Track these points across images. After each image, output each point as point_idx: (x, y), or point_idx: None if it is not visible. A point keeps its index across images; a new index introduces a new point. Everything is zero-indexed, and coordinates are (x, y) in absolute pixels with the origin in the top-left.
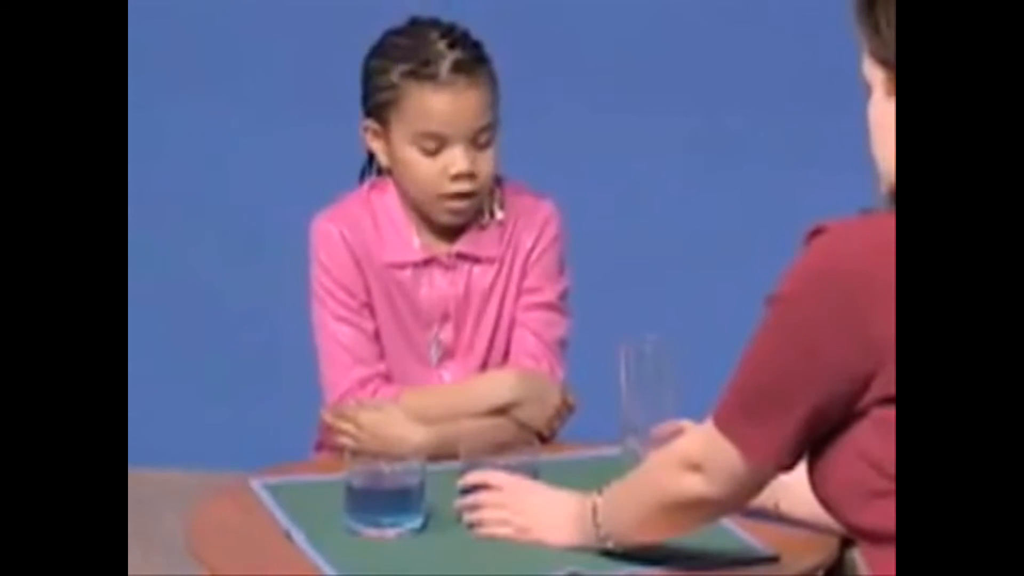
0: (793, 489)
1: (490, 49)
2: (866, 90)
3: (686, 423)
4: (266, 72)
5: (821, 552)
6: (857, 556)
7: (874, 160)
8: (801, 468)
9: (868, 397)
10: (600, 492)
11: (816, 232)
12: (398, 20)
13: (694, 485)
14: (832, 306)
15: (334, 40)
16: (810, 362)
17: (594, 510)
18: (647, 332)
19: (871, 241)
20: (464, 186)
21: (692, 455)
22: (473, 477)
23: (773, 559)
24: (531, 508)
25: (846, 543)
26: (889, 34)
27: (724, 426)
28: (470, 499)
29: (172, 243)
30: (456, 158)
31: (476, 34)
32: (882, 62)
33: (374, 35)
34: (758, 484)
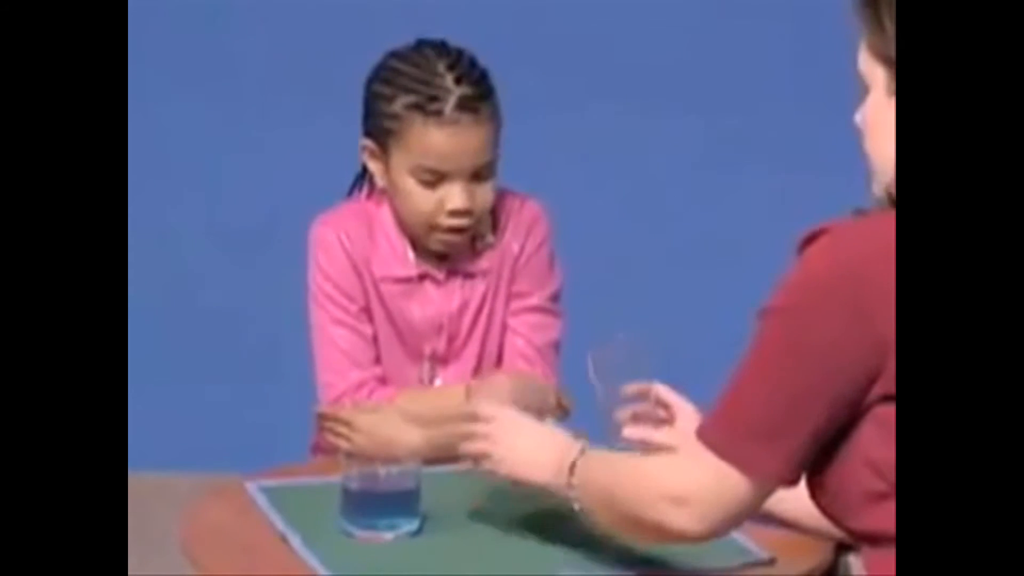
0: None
1: (486, 50)
2: (862, 87)
3: (658, 385)
4: (266, 72)
5: (817, 555)
6: (852, 560)
7: (868, 159)
8: None
9: (872, 394)
10: (583, 451)
11: (812, 237)
12: (397, 23)
13: (679, 520)
14: (843, 310)
15: (337, 41)
16: (825, 372)
17: (572, 468)
18: (617, 332)
19: (872, 240)
20: (460, 221)
21: (678, 489)
22: (474, 407)
23: (769, 562)
24: (516, 444)
25: (841, 547)
26: (893, 30)
27: (726, 451)
28: (466, 429)
29: (171, 246)
30: (454, 194)
31: (472, 35)
32: (884, 60)
33: (374, 36)
34: (756, 507)
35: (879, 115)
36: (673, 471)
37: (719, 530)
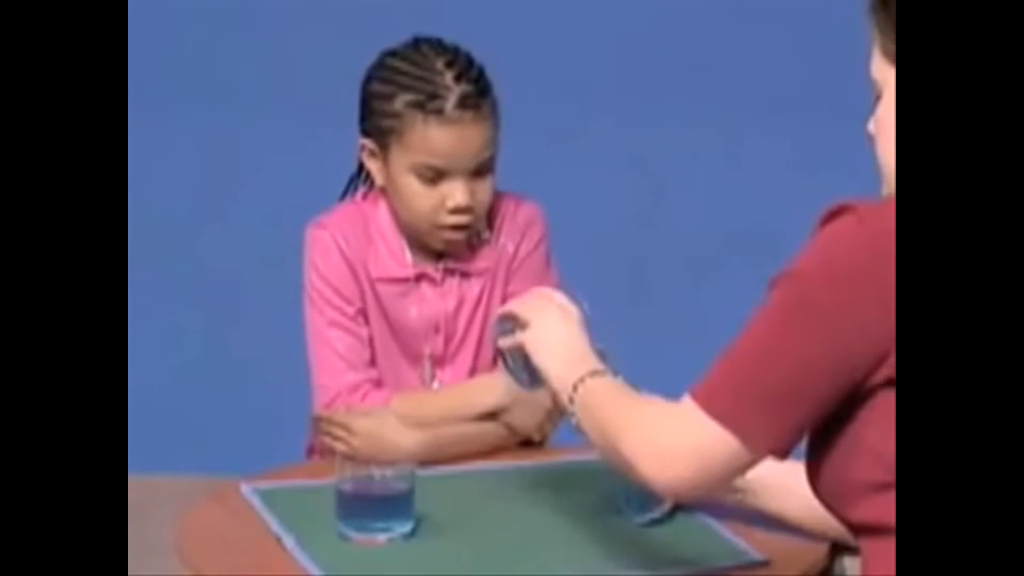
0: (768, 485)
1: (491, 53)
2: (875, 90)
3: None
4: (266, 76)
5: (810, 557)
6: (847, 561)
7: (879, 163)
8: (770, 463)
9: (876, 376)
10: (595, 374)
11: (838, 211)
12: (396, 25)
13: (661, 474)
14: (862, 288)
15: (341, 46)
16: (836, 348)
17: (582, 379)
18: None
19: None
20: (461, 219)
21: (672, 449)
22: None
23: (764, 564)
24: (548, 331)
25: (836, 548)
26: None
27: (729, 419)
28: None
29: (170, 250)
30: (455, 191)
31: (472, 36)
32: None
33: (373, 38)
34: (740, 475)
35: (891, 119)
36: (670, 430)
37: (695, 491)
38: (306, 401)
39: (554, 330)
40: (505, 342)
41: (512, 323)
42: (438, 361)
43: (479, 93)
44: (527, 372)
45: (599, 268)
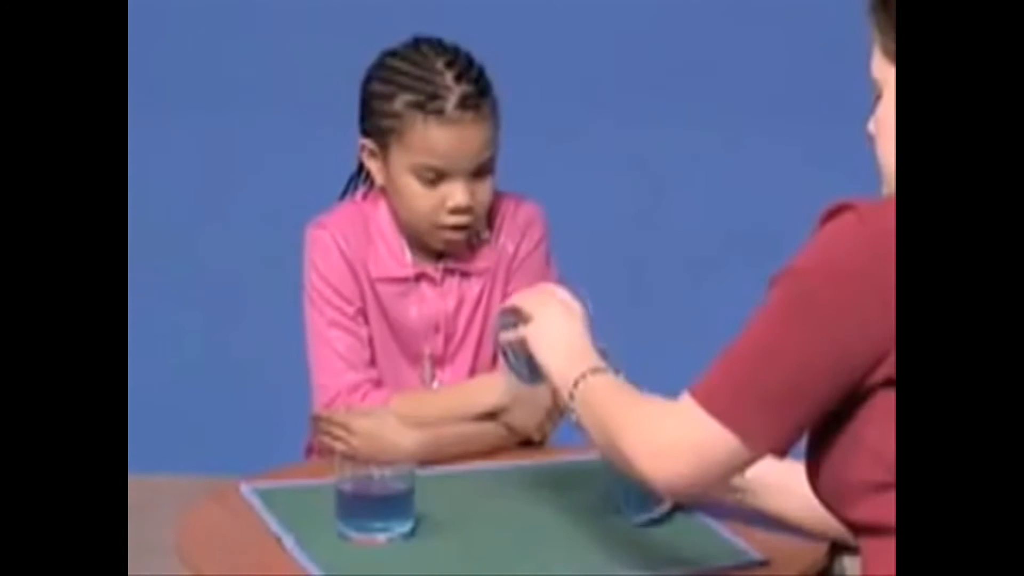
0: (767, 485)
1: (491, 53)
2: (875, 90)
3: None
4: (266, 76)
5: (810, 557)
6: (847, 561)
7: (879, 163)
8: (769, 463)
9: (877, 375)
10: (595, 371)
11: (838, 210)
12: (396, 25)
13: (659, 472)
14: (861, 288)
15: (341, 46)
16: (835, 346)
17: (583, 376)
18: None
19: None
20: (461, 219)
21: (670, 447)
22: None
23: (763, 563)
24: (549, 328)
25: (835, 548)
26: None
27: (729, 418)
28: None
29: (170, 250)
30: (455, 192)
31: (473, 35)
32: None
33: (373, 38)
34: (739, 473)
35: (891, 119)
36: (670, 427)
37: (693, 488)
38: (306, 401)
39: (556, 326)
40: (507, 336)
41: (514, 317)
42: (438, 361)
43: (479, 93)
44: (528, 367)
45: (599, 268)
